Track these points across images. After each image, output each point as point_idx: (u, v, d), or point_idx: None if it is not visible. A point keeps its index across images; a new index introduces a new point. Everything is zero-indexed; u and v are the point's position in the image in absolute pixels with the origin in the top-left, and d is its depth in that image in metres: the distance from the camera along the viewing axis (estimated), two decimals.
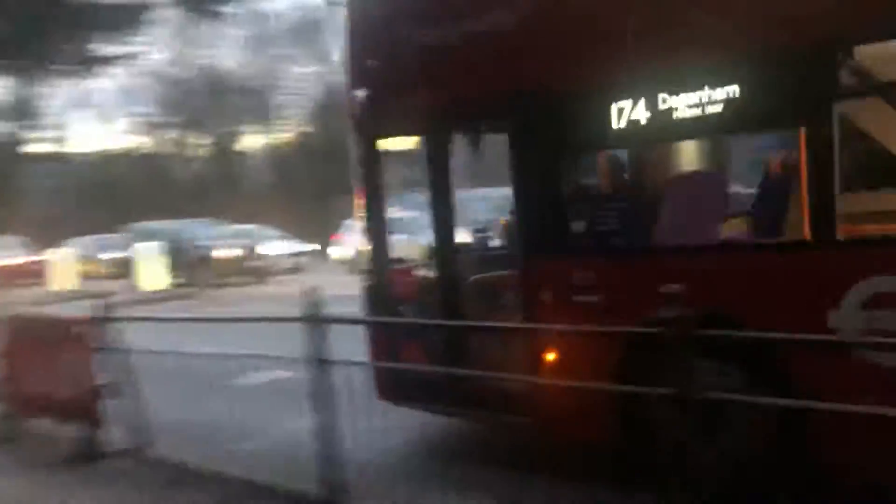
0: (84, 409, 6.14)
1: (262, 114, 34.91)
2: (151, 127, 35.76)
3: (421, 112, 5.36)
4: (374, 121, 5.65)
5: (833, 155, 3.69)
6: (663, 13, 4.18)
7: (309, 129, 34.51)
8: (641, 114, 4.34)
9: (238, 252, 20.79)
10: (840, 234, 3.76)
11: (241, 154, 36.89)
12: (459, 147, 5.67)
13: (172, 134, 36.12)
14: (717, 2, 4.11)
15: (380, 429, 4.64)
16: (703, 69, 4.09)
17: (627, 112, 4.38)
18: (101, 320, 6.07)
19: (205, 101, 34.28)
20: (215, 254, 20.46)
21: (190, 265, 20.24)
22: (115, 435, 6.13)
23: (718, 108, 4.06)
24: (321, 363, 4.64)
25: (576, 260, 4.61)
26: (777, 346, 3.71)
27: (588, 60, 4.50)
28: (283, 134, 36.05)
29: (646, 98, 4.30)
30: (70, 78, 24.06)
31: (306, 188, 30.70)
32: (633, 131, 4.38)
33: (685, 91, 4.15)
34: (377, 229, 5.80)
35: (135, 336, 6.16)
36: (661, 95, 4.25)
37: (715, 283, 3.96)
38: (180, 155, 36.54)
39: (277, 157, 35.81)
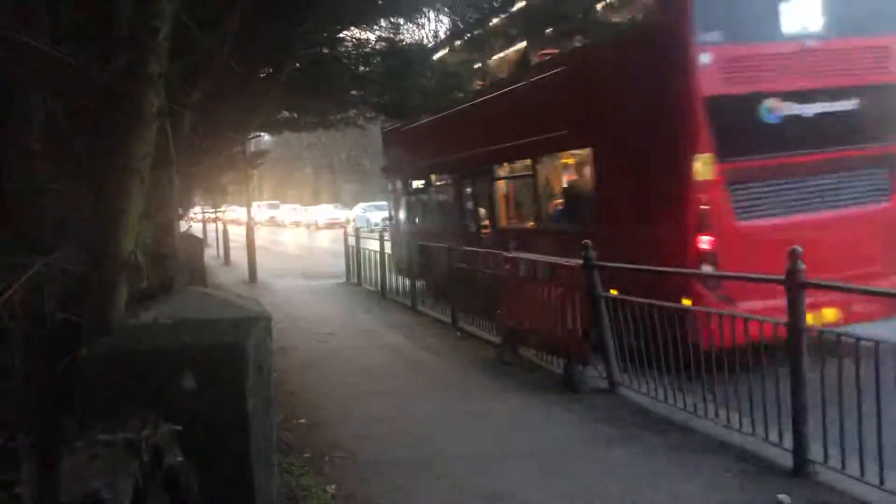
0: (573, 347, 6.80)
1: None
2: None
3: (400, 173, 15.67)
4: (391, 172, 16.40)
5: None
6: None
7: None
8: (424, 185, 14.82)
9: None
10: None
11: None
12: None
13: None
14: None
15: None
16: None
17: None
18: (589, 267, 6.70)
19: None
20: None
21: None
22: (593, 373, 6.75)
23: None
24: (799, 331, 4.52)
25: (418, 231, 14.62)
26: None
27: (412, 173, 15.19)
28: None
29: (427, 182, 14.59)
30: None
31: None
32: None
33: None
34: (397, 217, 16.00)
35: None
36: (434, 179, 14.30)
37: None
38: None
39: None
